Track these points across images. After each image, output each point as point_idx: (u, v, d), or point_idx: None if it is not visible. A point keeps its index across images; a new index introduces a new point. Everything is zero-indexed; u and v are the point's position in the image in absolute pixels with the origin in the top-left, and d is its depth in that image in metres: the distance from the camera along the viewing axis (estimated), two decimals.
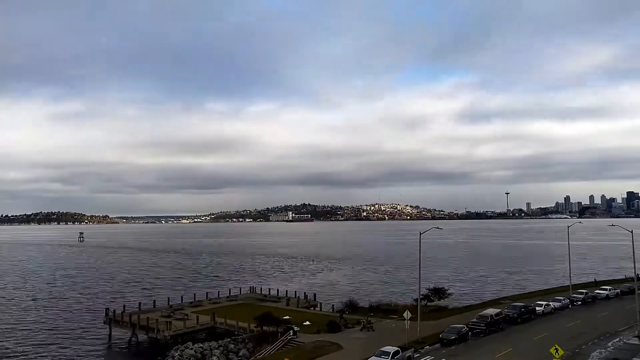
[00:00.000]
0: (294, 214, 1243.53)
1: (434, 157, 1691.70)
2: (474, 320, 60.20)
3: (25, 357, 67.71)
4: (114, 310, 78.23)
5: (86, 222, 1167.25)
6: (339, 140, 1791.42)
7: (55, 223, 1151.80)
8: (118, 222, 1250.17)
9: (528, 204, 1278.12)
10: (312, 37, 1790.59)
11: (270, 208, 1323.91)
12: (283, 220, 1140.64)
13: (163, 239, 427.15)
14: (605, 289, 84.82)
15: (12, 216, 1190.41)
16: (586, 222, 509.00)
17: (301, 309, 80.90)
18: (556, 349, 44.75)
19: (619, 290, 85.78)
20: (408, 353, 49.33)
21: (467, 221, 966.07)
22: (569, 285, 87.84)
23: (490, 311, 62.41)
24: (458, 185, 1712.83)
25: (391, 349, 48.38)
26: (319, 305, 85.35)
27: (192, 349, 59.26)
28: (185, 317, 73.66)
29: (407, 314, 57.05)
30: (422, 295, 73.84)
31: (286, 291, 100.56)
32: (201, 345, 60.50)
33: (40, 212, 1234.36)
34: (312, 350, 54.32)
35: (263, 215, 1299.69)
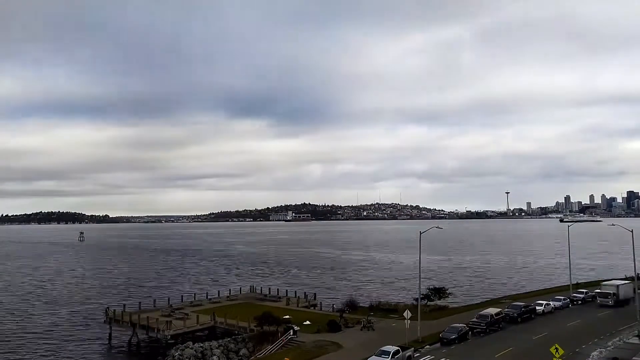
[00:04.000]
0: (294, 214, 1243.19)
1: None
2: (474, 319, 60.21)
3: (26, 356, 67.79)
4: (114, 310, 78.17)
5: (86, 222, 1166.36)
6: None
7: (55, 222, 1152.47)
8: (118, 222, 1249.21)
9: (528, 204, 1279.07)
10: None
11: (270, 207, 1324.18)
12: (282, 220, 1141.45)
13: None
14: None
15: (12, 216, 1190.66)
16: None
17: (301, 309, 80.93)
18: (556, 348, 44.72)
19: None
20: (408, 352, 49.37)
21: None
22: (569, 285, 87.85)
23: (491, 311, 62.41)
24: (459, 184, 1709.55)
25: (391, 348, 48.41)
26: (319, 305, 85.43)
27: (192, 348, 59.26)
28: (186, 316, 73.70)
29: (407, 314, 57.08)
30: (422, 294, 73.87)
31: (286, 290, 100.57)
32: (201, 344, 60.51)
33: (40, 212, 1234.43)
34: (312, 349, 54.38)
35: (263, 214, 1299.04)
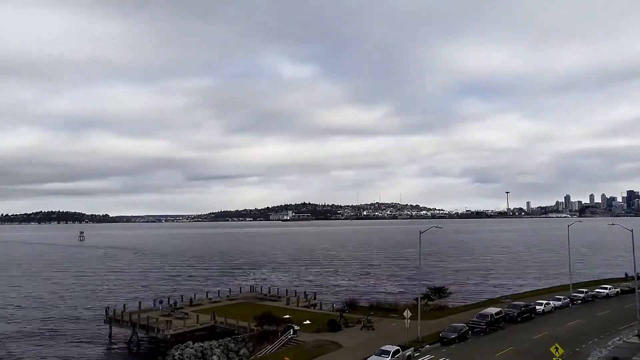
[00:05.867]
0: (294, 213, 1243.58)
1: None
2: (474, 319, 60.24)
3: (26, 356, 67.73)
4: (114, 309, 78.13)
5: (86, 222, 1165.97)
6: None
7: (56, 222, 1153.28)
8: (118, 222, 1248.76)
9: (528, 203, 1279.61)
10: None
11: (270, 207, 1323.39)
12: (281, 220, 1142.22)
13: None
14: (606, 288, 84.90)
15: (12, 215, 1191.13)
16: (586, 221, 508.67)
17: (301, 308, 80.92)
18: (556, 347, 44.75)
19: (619, 289, 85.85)
20: (408, 352, 49.37)
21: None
22: (569, 284, 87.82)
23: (491, 310, 62.48)
24: (459, 184, 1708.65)
25: (391, 347, 48.43)
26: (319, 304, 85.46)
27: (192, 348, 59.26)
28: (186, 316, 73.69)
29: (407, 313, 57.05)
30: (423, 294, 73.86)
31: (286, 290, 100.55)
32: (201, 344, 60.47)
33: (40, 212, 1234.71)
34: (312, 349, 54.37)
35: (263, 214, 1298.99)
